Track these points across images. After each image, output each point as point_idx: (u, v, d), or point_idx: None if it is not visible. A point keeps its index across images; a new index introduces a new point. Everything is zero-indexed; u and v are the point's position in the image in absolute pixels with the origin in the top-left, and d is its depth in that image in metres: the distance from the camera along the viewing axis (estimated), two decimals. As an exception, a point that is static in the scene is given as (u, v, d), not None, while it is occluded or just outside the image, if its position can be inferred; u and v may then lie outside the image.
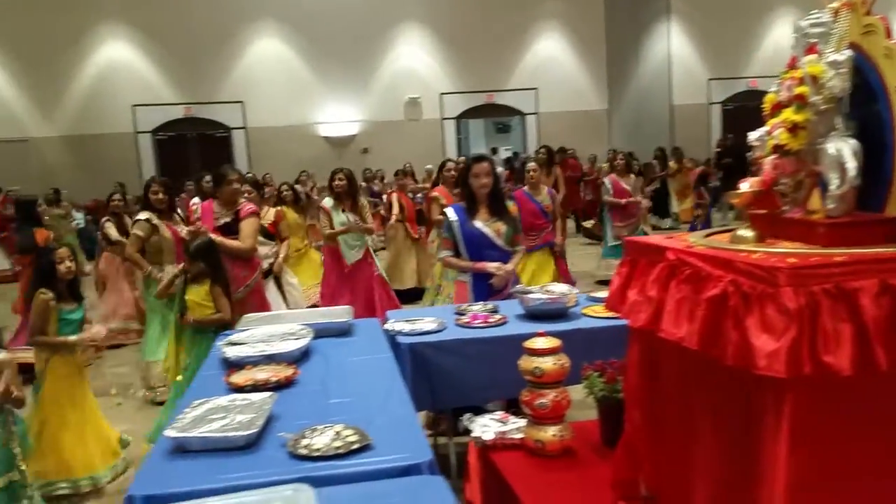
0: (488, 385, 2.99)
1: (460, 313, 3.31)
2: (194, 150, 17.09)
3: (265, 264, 5.42)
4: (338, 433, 1.94)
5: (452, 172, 6.31)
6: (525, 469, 2.19)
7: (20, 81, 16.08)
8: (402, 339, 2.99)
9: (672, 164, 13.47)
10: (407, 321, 3.19)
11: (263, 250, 5.32)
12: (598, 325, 3.03)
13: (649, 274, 1.68)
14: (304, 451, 1.85)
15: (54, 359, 3.56)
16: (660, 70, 18.58)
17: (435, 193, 6.23)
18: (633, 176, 8.31)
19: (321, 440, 1.90)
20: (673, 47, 18.25)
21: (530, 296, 3.18)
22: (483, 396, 3.16)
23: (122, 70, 16.49)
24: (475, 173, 3.84)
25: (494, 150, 18.60)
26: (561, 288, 3.33)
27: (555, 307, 3.12)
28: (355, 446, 1.86)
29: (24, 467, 2.91)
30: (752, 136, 1.77)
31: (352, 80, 17.01)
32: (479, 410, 2.78)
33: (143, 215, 5.08)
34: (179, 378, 3.71)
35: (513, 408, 2.90)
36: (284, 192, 7.90)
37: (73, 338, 3.58)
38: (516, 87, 17.86)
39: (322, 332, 2.97)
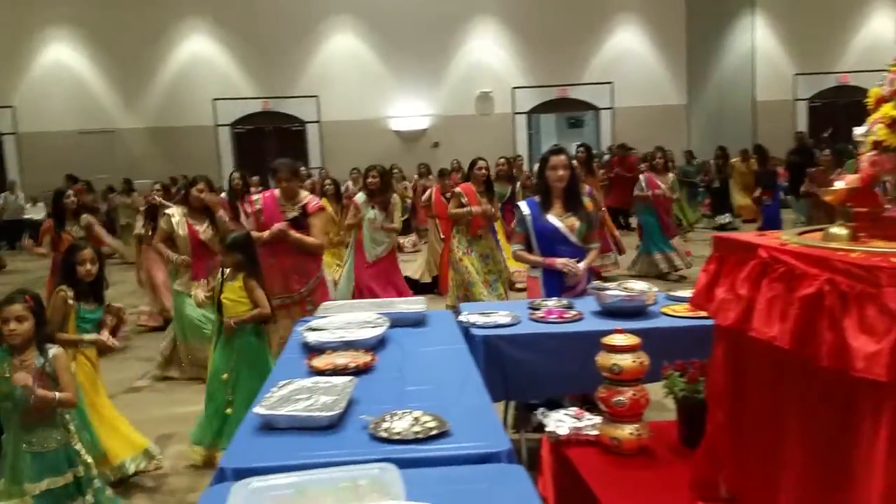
0: (561, 380, 2.99)
1: (534, 308, 3.31)
2: (271, 144, 17.63)
3: None
4: (416, 419, 1.99)
5: (483, 171, 6.32)
6: (600, 466, 2.18)
7: (108, 75, 16.95)
8: (476, 332, 3.02)
9: (736, 161, 13.18)
10: (481, 314, 3.21)
11: None
12: (678, 325, 2.97)
13: (739, 271, 1.65)
14: (384, 434, 1.91)
15: (78, 356, 3.50)
16: (743, 64, 17.94)
17: (458, 189, 6.21)
18: (670, 175, 8.48)
19: (400, 424, 1.96)
20: (757, 40, 17.60)
21: (608, 293, 3.15)
22: (555, 390, 3.17)
23: (203, 65, 17.15)
24: (552, 165, 3.79)
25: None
26: (639, 285, 3.28)
27: (633, 305, 3.08)
28: (434, 432, 1.90)
29: (89, 460, 2.93)
30: (857, 131, 1.71)
31: (424, 75, 17.16)
32: (552, 405, 2.78)
33: (169, 210, 5.16)
34: (224, 377, 3.67)
35: (587, 404, 2.89)
36: (327, 186, 8.03)
37: (88, 336, 3.52)
38: (591, 80, 17.61)
39: (397, 322, 3.03)
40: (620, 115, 17.59)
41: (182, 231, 5.08)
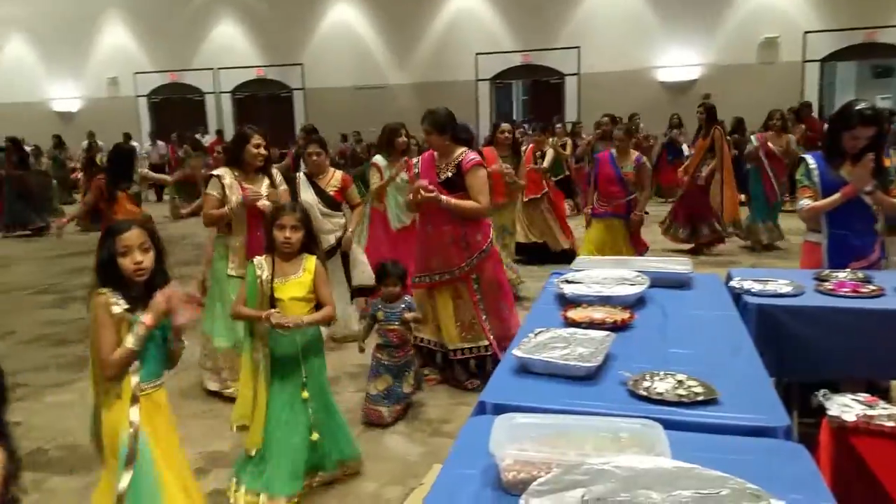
0: (849, 362, 2.65)
1: (822, 279, 2.93)
2: (527, 97, 17.83)
3: (332, 238, 4.71)
4: (680, 382, 1.90)
5: (507, 135, 5.73)
6: (897, 462, 1.88)
7: (383, 33, 18.36)
8: (749, 299, 2.78)
9: None
10: (756, 280, 2.93)
11: (329, 224, 4.66)
12: None
13: None
14: (644, 393, 1.85)
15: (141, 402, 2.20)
16: None
17: (481, 151, 5.47)
18: (790, 137, 7.71)
19: (662, 385, 1.88)
20: None
21: (922, 266, 2.67)
22: (840, 373, 2.78)
23: (468, 20, 17.74)
24: (856, 135, 3.19)
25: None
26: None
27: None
28: (700, 398, 1.80)
29: None
30: None
31: (698, 20, 15.86)
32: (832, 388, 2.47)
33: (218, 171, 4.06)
34: (305, 395, 2.87)
35: (877, 392, 2.52)
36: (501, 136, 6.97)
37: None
38: (909, 21, 14.78)
39: (658, 282, 2.90)
40: (949, 64, 14.50)
41: (236, 196, 3.93)
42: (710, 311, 2.62)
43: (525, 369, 2.07)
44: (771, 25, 15.52)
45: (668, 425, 1.66)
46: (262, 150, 4.01)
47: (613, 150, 5.83)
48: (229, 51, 19.26)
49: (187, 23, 19.16)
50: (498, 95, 18.06)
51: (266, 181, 4.08)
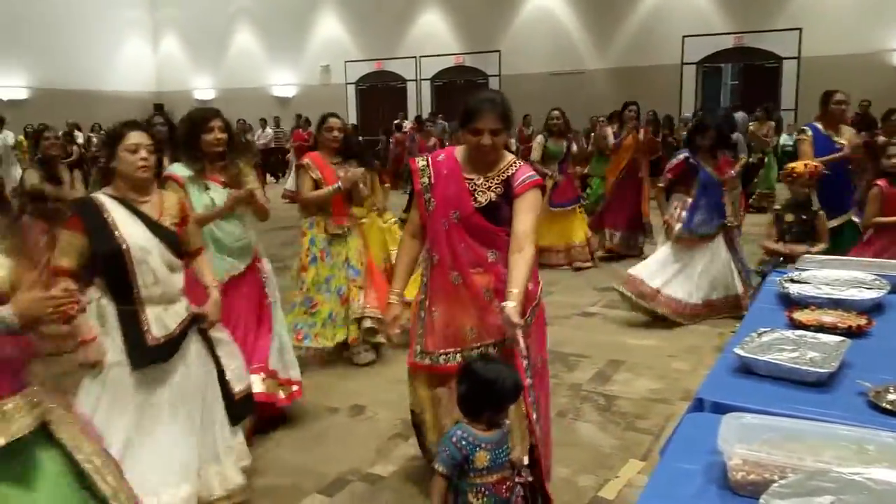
0: None
1: None
2: (737, 83, 16.53)
3: (181, 308, 2.61)
4: (931, 399, 1.72)
5: (336, 134, 4.35)
6: None
7: (583, 18, 17.94)
8: None
9: None
10: None
11: (178, 282, 2.64)
12: None
13: None
14: (888, 406, 1.71)
15: None
16: None
17: (305, 160, 4.40)
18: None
19: (912, 399, 1.72)
20: None
21: None
22: None
23: (676, 0, 16.81)
24: None
25: None
26: None
27: None
28: (959, 418, 1.62)
29: None
30: None
31: (950, -6, 13.75)
32: None
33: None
34: None
35: None
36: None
37: None
38: None
39: (901, 287, 2.63)
40: None
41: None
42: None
43: (746, 369, 2.00)
44: None
45: (917, 444, 1.53)
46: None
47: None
48: (431, 39, 20.00)
49: (393, 12, 20.17)
50: (705, 81, 16.98)
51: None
